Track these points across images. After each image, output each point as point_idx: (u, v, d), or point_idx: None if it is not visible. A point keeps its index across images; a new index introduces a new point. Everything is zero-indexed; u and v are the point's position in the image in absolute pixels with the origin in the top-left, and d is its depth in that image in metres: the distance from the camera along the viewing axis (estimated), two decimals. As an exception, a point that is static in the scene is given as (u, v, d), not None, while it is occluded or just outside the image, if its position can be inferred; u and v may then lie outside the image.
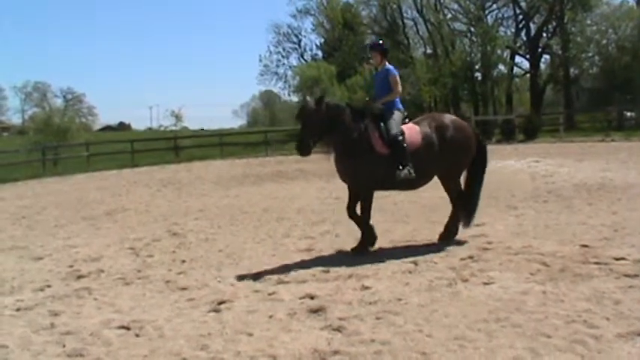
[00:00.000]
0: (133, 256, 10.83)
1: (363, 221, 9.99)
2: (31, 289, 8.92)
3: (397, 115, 10.11)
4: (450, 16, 66.54)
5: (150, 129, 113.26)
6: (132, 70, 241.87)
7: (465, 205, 10.46)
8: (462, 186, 10.62)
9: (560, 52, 60.59)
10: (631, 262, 8.30)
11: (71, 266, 10.26)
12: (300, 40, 77.60)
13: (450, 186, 10.59)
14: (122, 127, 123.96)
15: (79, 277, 9.50)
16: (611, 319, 6.26)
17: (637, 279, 7.58)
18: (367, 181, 9.89)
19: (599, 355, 5.42)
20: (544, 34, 64.14)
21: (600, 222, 11.27)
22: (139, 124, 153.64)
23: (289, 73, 74.21)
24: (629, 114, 49.38)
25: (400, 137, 9.80)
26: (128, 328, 6.91)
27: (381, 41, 11.60)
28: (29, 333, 6.94)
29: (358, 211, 10.07)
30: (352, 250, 9.89)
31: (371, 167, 9.74)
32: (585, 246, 9.38)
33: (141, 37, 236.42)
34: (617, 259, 8.48)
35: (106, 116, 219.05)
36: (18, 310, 7.91)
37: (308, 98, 10.72)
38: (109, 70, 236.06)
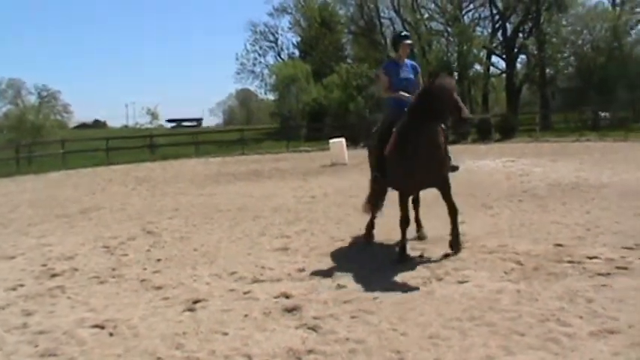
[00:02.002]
0: (107, 255, 10.77)
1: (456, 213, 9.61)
2: (3, 288, 8.83)
3: None
4: (426, 15, 66.69)
5: (126, 127, 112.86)
6: (108, 67, 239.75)
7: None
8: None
9: (536, 52, 60.89)
10: (604, 261, 8.37)
11: (45, 265, 10.17)
12: (276, 39, 77.51)
13: None
14: (98, 124, 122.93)
15: (53, 275, 9.43)
16: (584, 317, 6.31)
17: (610, 277, 7.65)
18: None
19: (572, 353, 5.46)
20: (520, 34, 64.43)
21: (574, 221, 11.35)
22: (114, 121, 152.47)
23: (266, 71, 74.18)
24: (603, 114, 49.81)
25: None
26: (102, 327, 6.87)
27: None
28: (1, 333, 6.87)
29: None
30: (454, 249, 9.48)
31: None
32: (559, 245, 9.45)
33: (117, 35, 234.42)
34: (590, 258, 8.54)
35: (81, 114, 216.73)
36: (-10, 309, 7.85)
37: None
38: (85, 68, 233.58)
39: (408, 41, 10.33)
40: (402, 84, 10.04)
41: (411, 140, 9.04)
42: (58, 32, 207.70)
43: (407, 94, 9.91)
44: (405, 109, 9.54)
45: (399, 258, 9.24)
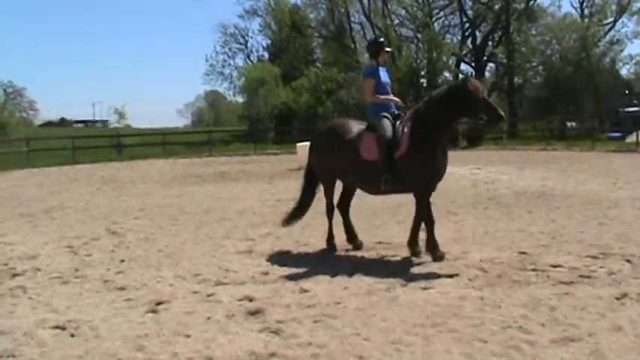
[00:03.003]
0: (70, 255, 10.65)
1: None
2: (-36, 286, 8.71)
3: None
4: (397, 21, 67.01)
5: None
6: (75, 65, 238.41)
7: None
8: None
9: (505, 60, 61.43)
10: (567, 270, 8.43)
11: (6, 264, 10.02)
12: (246, 41, 77.42)
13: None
14: (64, 123, 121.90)
15: (14, 275, 9.29)
16: (546, 325, 6.35)
17: (572, 286, 7.70)
18: None
19: (534, 361, 5.50)
20: (490, 43, 65.06)
21: (539, 229, 11.44)
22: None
23: (235, 73, 74.04)
24: (570, 124, 50.33)
25: None
26: (63, 328, 6.78)
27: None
28: (-40, 332, 6.77)
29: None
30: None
31: None
32: (523, 253, 9.51)
33: (85, 33, 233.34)
34: (553, 267, 8.60)
35: (47, 112, 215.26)
36: (-51, 308, 7.73)
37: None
38: (52, 65, 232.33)
39: (389, 48, 10.44)
40: (386, 89, 10.11)
41: (435, 139, 9.28)
42: (25, 28, 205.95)
43: (395, 99, 10.12)
44: (395, 110, 9.93)
45: (439, 256, 9.30)
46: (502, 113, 9.17)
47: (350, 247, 10.36)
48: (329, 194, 10.46)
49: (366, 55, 58.73)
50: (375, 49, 10.27)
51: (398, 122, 9.63)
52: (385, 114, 9.78)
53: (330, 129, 10.45)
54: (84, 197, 19.39)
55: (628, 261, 8.85)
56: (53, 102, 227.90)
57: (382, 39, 10.80)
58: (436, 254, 9.31)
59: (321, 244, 10.44)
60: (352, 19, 69.62)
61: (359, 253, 9.97)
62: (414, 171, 9.33)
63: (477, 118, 9.32)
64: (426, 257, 9.40)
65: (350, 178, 10.15)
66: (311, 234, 11.18)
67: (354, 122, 10.36)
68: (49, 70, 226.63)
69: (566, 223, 12.07)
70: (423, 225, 9.69)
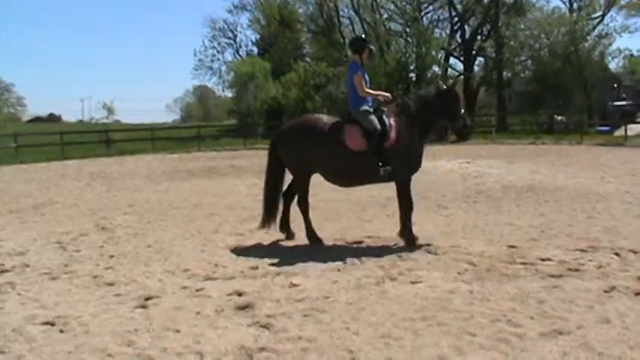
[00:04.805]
0: (59, 251, 10.60)
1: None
2: (-48, 283, 8.67)
3: None
4: (386, 16, 66.92)
5: (81, 121, 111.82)
6: (64, 61, 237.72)
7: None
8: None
9: (493, 55, 61.57)
10: (556, 263, 8.48)
11: (-5, 260, 10.01)
12: (235, 36, 77.42)
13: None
14: (52, 118, 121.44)
15: (3, 271, 9.23)
16: (535, 318, 6.38)
17: (561, 279, 7.74)
18: None
19: (522, 354, 5.52)
20: (478, 37, 65.04)
21: (527, 223, 11.48)
22: (70, 116, 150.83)
23: (224, 68, 73.99)
24: (559, 118, 50.47)
25: None
26: (53, 324, 6.76)
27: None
28: (-51, 328, 6.75)
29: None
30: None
31: None
32: (512, 246, 9.56)
33: (74, 27, 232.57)
34: (542, 260, 8.66)
35: (36, 107, 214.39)
36: (-63, 304, 7.69)
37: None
38: (40, 61, 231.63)
39: (372, 46, 10.67)
40: (369, 85, 10.35)
41: (421, 132, 10.19)
42: (13, 24, 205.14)
43: (386, 94, 10.48)
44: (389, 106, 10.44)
45: (415, 243, 9.77)
46: (470, 123, 10.85)
47: (324, 239, 10.45)
48: (302, 188, 10.53)
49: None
50: (360, 46, 10.42)
51: (384, 115, 10.04)
52: (367, 108, 10.09)
53: (304, 124, 10.50)
54: (73, 193, 19.30)
55: (616, 254, 8.92)
56: (42, 98, 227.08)
57: (364, 36, 10.94)
58: (410, 239, 9.80)
59: (311, 239, 10.43)
60: (341, 13, 69.62)
61: (348, 247, 9.97)
62: (400, 160, 9.82)
63: (458, 122, 10.48)
64: (416, 252, 9.42)
65: (331, 171, 10.27)
66: (300, 228, 11.15)
67: (326, 116, 10.57)
68: (37, 65, 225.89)
69: (554, 216, 12.13)
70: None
